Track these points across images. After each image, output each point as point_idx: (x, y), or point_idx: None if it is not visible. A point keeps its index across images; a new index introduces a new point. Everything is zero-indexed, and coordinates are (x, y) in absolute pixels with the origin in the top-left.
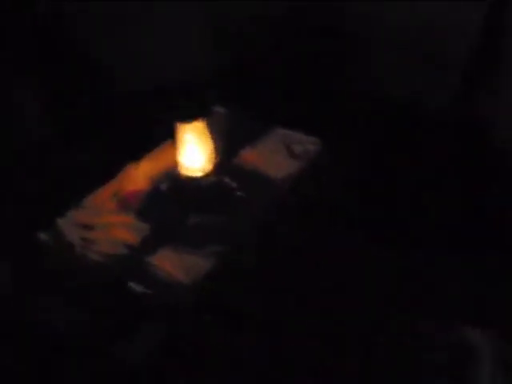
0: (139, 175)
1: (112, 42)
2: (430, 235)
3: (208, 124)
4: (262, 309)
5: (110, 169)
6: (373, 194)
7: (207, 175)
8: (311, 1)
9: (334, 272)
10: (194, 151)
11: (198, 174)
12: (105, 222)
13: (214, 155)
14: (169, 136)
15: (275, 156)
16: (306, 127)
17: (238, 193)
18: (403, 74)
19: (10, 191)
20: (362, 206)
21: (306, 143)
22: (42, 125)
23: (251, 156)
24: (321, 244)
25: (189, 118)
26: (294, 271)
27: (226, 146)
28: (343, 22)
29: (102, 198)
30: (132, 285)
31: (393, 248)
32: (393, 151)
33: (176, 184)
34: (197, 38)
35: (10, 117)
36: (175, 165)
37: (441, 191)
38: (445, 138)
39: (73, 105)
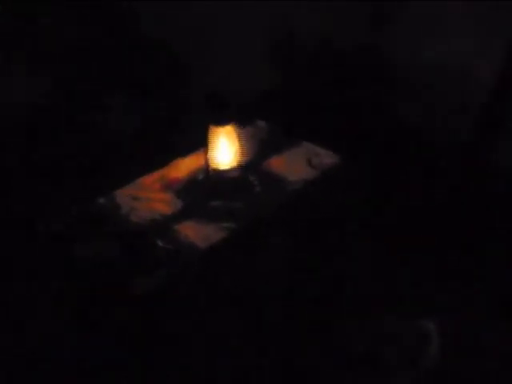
0: (183, 166)
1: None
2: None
3: (246, 132)
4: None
5: (163, 160)
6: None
7: (232, 170)
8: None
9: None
10: (222, 150)
11: (225, 168)
12: (149, 196)
13: (240, 155)
14: None
15: (295, 164)
16: (332, 144)
17: (257, 188)
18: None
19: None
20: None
21: (324, 156)
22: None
23: (275, 161)
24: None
25: (221, 122)
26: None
27: (257, 151)
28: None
29: (152, 180)
30: (158, 241)
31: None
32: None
33: (206, 175)
34: (257, 58)
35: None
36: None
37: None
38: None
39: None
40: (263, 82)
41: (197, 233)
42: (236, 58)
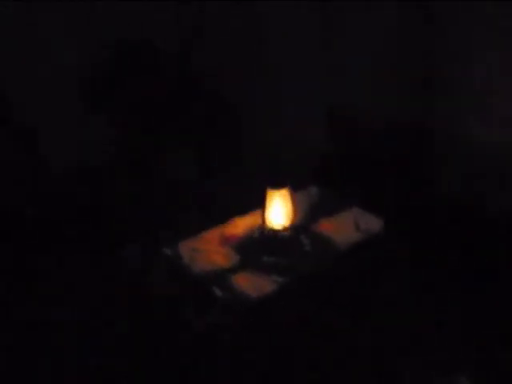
0: (240, 224)
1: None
2: None
3: (299, 196)
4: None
5: (224, 218)
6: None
7: (284, 230)
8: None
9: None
10: (278, 211)
11: (278, 227)
12: (209, 248)
13: (293, 216)
14: None
15: (344, 227)
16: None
17: (307, 247)
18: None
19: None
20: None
21: (371, 222)
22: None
23: (325, 224)
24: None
25: (276, 186)
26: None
27: (309, 214)
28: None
29: (212, 235)
30: (215, 289)
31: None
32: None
33: (261, 233)
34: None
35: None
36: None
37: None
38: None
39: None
40: (317, 147)
41: (250, 284)
42: (294, 124)
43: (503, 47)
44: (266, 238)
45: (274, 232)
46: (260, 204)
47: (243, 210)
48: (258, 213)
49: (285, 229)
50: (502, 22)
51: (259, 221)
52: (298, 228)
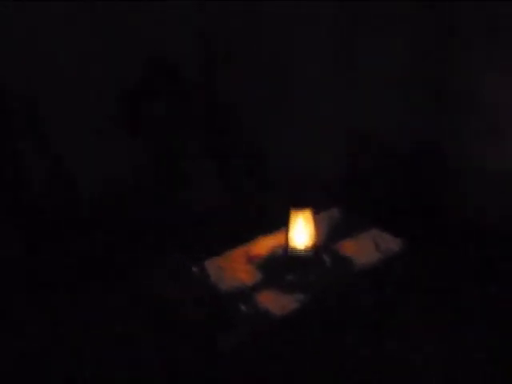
0: (264, 243)
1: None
2: None
3: (321, 217)
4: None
5: (248, 237)
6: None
7: (307, 250)
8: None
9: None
10: (300, 231)
11: (301, 247)
12: (234, 267)
13: (315, 237)
14: None
15: (364, 247)
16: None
17: (328, 267)
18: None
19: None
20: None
21: (391, 242)
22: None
23: (346, 244)
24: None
25: (299, 207)
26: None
27: (330, 235)
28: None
29: (237, 253)
30: (241, 306)
31: None
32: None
33: (285, 252)
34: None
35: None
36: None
37: None
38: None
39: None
40: (338, 168)
41: (274, 302)
42: (313, 145)
43: None
44: (289, 257)
45: (297, 252)
46: (284, 224)
47: (267, 230)
48: (281, 233)
49: (307, 249)
50: None
51: (283, 241)
52: (319, 248)
